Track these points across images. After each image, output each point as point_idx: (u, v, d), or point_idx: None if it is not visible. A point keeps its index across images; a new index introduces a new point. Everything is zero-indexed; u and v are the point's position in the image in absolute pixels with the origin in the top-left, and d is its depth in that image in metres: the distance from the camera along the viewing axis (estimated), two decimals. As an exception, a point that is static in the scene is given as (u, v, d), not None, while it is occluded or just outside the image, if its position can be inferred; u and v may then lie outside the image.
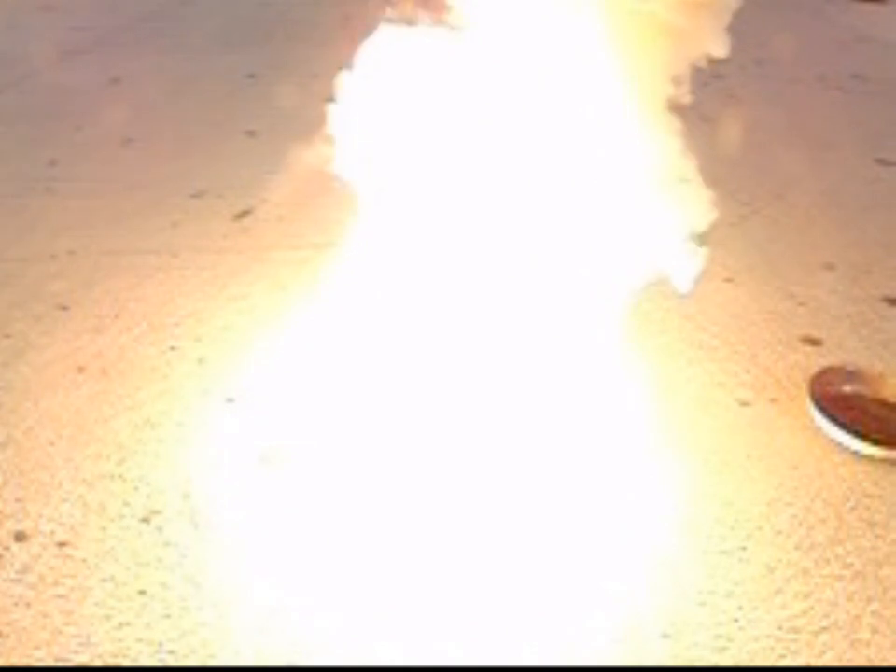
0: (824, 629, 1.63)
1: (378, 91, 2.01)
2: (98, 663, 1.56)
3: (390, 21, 1.99)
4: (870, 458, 2.01)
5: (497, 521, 1.85)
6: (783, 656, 1.58)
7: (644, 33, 1.83)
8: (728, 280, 2.78)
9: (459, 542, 1.80)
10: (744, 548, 1.80)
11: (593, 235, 2.04)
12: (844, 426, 2.06)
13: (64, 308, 2.65)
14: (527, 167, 1.93)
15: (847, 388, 2.23)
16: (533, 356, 2.07)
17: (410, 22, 1.98)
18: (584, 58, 1.82)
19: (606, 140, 1.92)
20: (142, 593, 1.69)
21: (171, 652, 1.58)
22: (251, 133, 4.01)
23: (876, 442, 2.02)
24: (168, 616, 1.64)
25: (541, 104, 1.90)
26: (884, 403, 2.20)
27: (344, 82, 2.00)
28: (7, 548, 1.80)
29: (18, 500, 1.92)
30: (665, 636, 1.61)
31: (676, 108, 2.01)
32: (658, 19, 1.79)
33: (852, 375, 2.25)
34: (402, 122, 2.01)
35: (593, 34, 1.77)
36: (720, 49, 1.85)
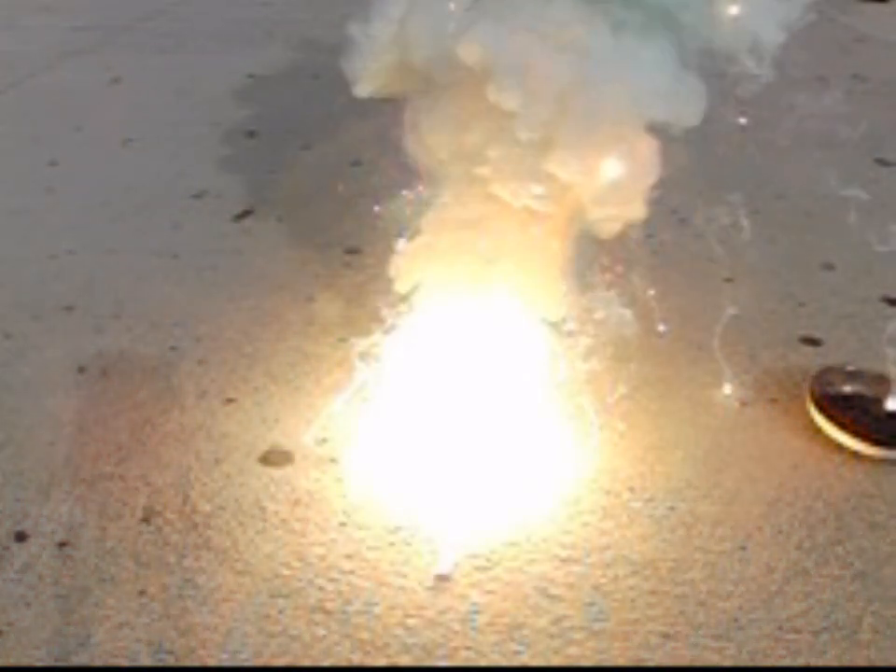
0: (824, 629, 1.63)
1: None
2: (98, 663, 1.56)
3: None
4: (870, 458, 2.01)
5: (499, 522, 1.85)
6: (783, 656, 1.58)
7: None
8: (728, 280, 2.78)
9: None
10: (744, 548, 1.80)
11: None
12: (844, 426, 2.05)
13: (65, 308, 2.65)
14: None
15: (847, 388, 2.23)
16: (529, 353, 2.07)
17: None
18: None
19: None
20: (142, 593, 1.69)
21: (170, 652, 1.58)
22: (251, 133, 4.01)
23: (876, 442, 2.02)
24: (168, 616, 1.64)
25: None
26: (884, 403, 2.19)
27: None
28: (6, 548, 1.80)
29: (18, 500, 1.92)
30: (665, 636, 1.61)
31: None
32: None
33: (852, 375, 2.25)
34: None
35: None
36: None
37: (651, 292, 2.39)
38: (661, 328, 2.39)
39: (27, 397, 2.25)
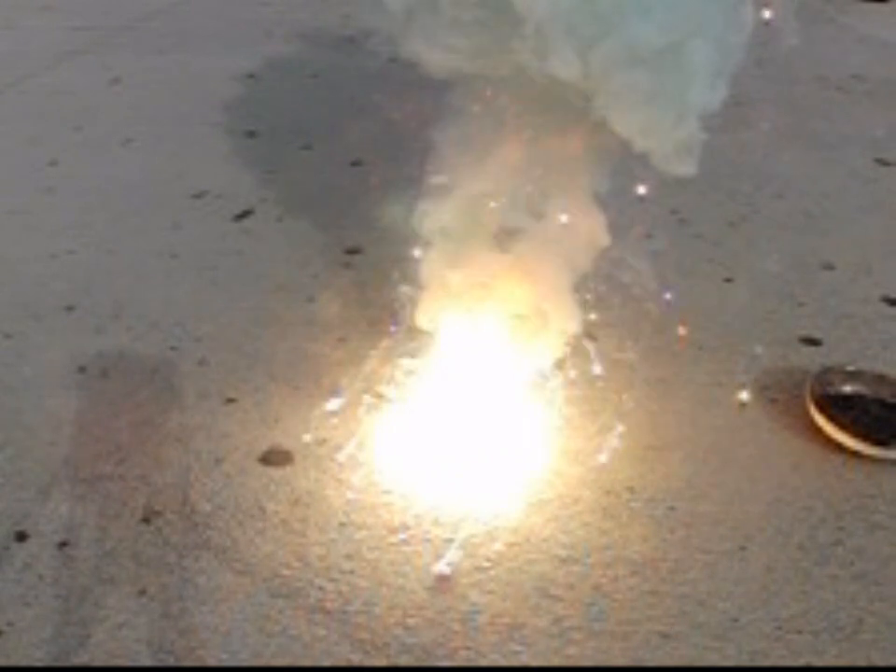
0: (824, 629, 1.63)
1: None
2: (98, 663, 1.56)
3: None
4: (870, 458, 2.01)
5: (499, 522, 1.85)
6: (783, 656, 1.58)
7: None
8: (728, 280, 2.78)
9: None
10: (744, 548, 1.80)
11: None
12: (844, 426, 2.05)
13: (65, 308, 2.65)
14: None
15: (847, 388, 2.23)
16: (530, 356, 2.07)
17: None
18: None
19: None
20: (142, 593, 1.69)
21: (170, 652, 1.58)
22: (251, 133, 4.01)
23: (876, 442, 2.02)
24: (168, 616, 1.65)
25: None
26: (884, 403, 2.19)
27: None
28: (6, 548, 1.80)
29: (18, 500, 1.92)
30: (665, 636, 1.61)
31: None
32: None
33: (852, 375, 2.25)
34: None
35: None
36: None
37: (651, 293, 2.39)
38: (661, 328, 2.39)
39: (27, 397, 2.25)
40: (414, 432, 2.06)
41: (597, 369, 2.24)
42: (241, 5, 6.38)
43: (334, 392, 2.22)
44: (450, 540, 1.80)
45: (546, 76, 1.65)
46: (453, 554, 1.77)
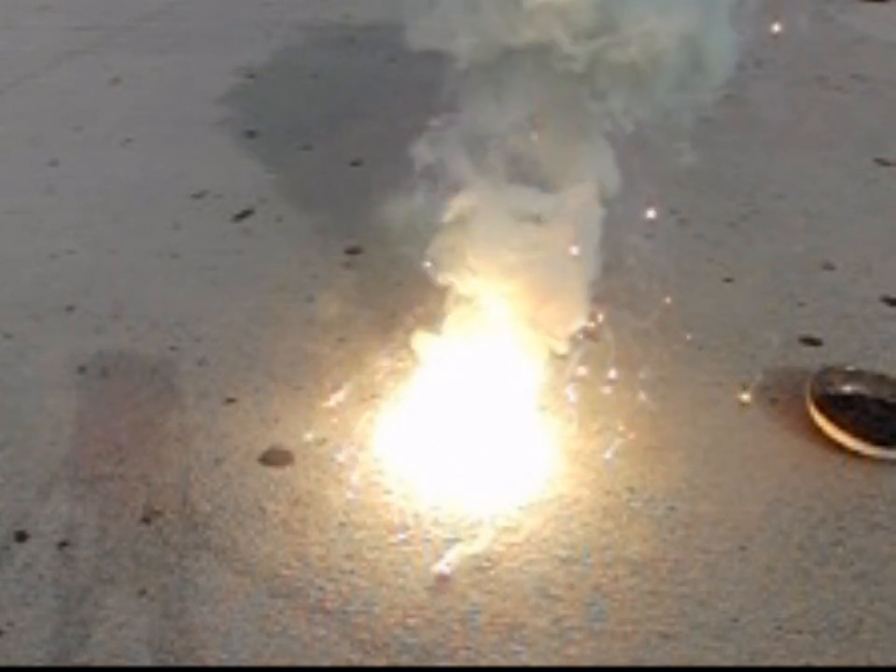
0: (824, 629, 1.63)
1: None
2: (98, 663, 1.56)
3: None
4: (870, 458, 2.01)
5: (499, 521, 1.86)
6: (783, 656, 1.58)
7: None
8: (728, 280, 2.78)
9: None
10: (744, 548, 1.80)
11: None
12: (844, 426, 2.05)
13: (65, 308, 2.65)
14: None
15: (847, 388, 2.23)
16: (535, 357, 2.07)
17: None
18: None
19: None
20: (142, 593, 1.69)
21: (170, 652, 1.58)
22: (251, 133, 4.01)
23: (876, 442, 2.02)
24: (168, 616, 1.65)
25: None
26: (884, 403, 2.19)
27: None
28: (6, 548, 1.80)
29: (18, 500, 1.92)
30: (665, 636, 1.61)
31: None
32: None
33: (852, 375, 2.25)
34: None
35: None
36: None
37: (652, 292, 2.39)
38: (661, 328, 2.39)
39: (27, 397, 2.25)
40: (414, 432, 2.06)
41: (597, 369, 2.24)
42: (241, 5, 6.38)
43: (334, 392, 2.22)
44: (450, 540, 1.80)
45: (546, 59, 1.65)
46: (453, 554, 1.77)
